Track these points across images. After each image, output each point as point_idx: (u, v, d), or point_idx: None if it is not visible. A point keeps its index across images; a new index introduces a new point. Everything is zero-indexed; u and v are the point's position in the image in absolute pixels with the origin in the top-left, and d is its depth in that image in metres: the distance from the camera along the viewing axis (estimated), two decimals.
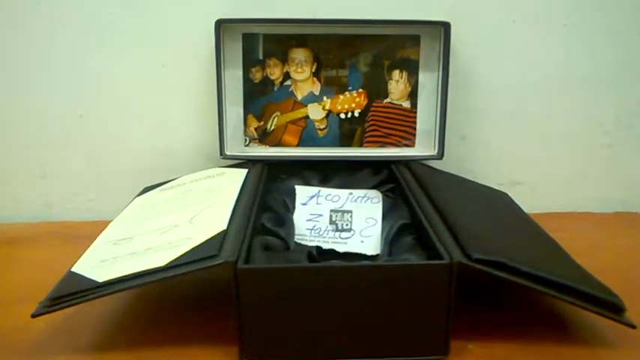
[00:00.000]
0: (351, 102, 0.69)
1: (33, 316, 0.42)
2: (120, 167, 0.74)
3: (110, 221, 0.57)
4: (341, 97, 0.69)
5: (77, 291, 0.43)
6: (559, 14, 0.71)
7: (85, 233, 0.55)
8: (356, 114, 0.69)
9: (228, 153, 0.68)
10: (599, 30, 0.72)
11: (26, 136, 0.73)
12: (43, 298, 0.44)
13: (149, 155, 0.74)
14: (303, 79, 0.68)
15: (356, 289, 0.42)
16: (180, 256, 0.44)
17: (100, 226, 0.56)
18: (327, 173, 0.68)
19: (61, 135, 0.73)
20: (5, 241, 0.68)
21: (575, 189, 0.77)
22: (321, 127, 0.69)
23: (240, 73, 0.67)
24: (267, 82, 0.68)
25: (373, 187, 0.64)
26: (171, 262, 0.43)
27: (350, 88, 0.69)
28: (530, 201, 0.68)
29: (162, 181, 0.67)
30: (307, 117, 0.69)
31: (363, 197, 0.62)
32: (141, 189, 0.67)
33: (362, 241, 0.58)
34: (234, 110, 0.68)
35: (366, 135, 0.70)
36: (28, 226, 0.73)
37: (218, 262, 0.42)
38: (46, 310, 0.43)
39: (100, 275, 0.44)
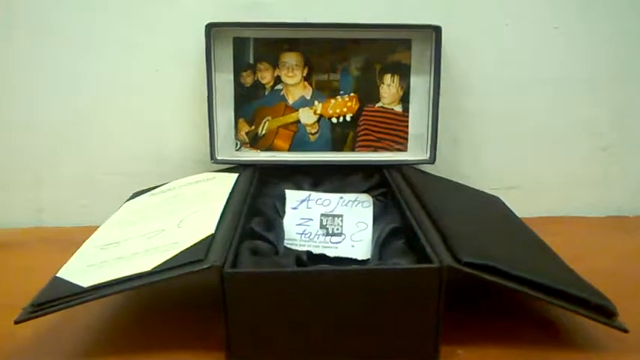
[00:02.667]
0: (342, 106, 0.68)
1: (16, 322, 0.42)
2: (112, 172, 0.74)
3: None
4: (332, 101, 0.68)
5: (62, 296, 0.42)
6: (550, 17, 0.71)
7: (77, 239, 0.54)
8: (348, 118, 0.69)
9: (219, 157, 0.68)
10: (591, 33, 0.72)
11: (19, 141, 0.73)
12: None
13: (141, 160, 0.74)
14: (294, 83, 0.68)
15: (345, 294, 0.42)
16: (167, 261, 0.43)
17: (91, 231, 0.55)
18: (319, 178, 0.68)
19: (54, 141, 0.73)
20: None
21: (569, 193, 0.77)
22: (313, 131, 0.69)
23: (231, 77, 0.67)
24: (258, 86, 0.68)
25: (365, 192, 0.64)
26: (157, 266, 0.43)
27: (341, 92, 0.68)
28: (525, 205, 0.67)
29: (153, 185, 0.67)
30: (299, 121, 0.69)
31: (354, 201, 0.62)
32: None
33: (352, 246, 0.58)
34: (225, 114, 0.68)
35: (358, 139, 0.69)
36: (20, 232, 0.72)
37: (204, 266, 0.42)
38: (29, 316, 0.42)
39: (86, 280, 0.43)
